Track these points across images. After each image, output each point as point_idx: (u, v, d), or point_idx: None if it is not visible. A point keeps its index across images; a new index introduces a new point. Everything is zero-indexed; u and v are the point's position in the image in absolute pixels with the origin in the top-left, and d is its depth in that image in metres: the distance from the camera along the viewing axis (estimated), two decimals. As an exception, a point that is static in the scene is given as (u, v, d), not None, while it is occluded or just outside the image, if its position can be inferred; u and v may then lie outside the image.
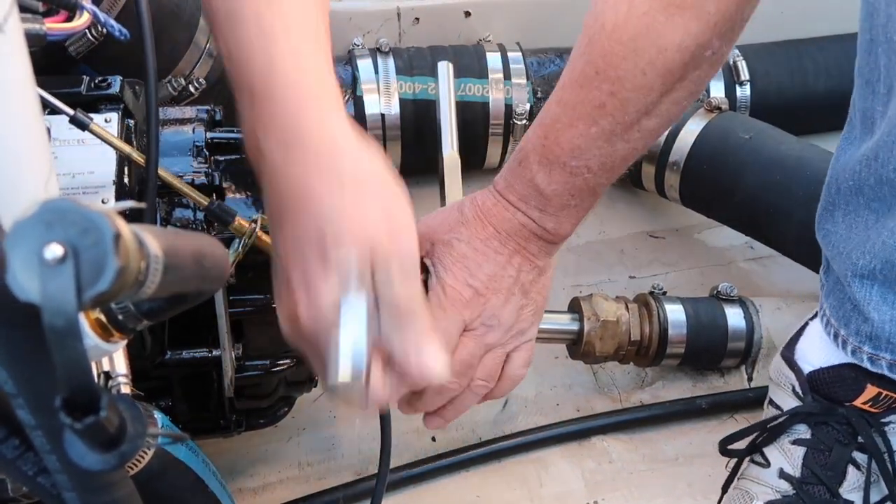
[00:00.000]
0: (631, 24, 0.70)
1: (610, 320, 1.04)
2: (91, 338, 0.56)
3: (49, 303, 0.37)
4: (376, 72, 1.21)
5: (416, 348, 0.66)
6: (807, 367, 0.86)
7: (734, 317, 1.07)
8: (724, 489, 0.90)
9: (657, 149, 1.17)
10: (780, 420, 0.85)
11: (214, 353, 0.87)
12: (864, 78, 0.79)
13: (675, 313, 1.06)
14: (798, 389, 0.86)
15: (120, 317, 0.57)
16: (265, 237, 0.80)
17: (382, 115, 1.20)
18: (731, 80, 1.26)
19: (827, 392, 0.84)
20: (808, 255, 1.11)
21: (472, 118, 1.23)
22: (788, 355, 0.89)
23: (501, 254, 0.80)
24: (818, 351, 0.86)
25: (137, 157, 0.76)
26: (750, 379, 1.09)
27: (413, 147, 1.23)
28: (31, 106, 0.50)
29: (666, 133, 1.16)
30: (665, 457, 1.03)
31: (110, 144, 0.74)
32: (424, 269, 0.85)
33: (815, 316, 0.93)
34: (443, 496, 0.99)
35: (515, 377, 0.83)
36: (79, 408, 0.40)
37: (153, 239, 0.43)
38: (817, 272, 1.12)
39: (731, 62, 1.27)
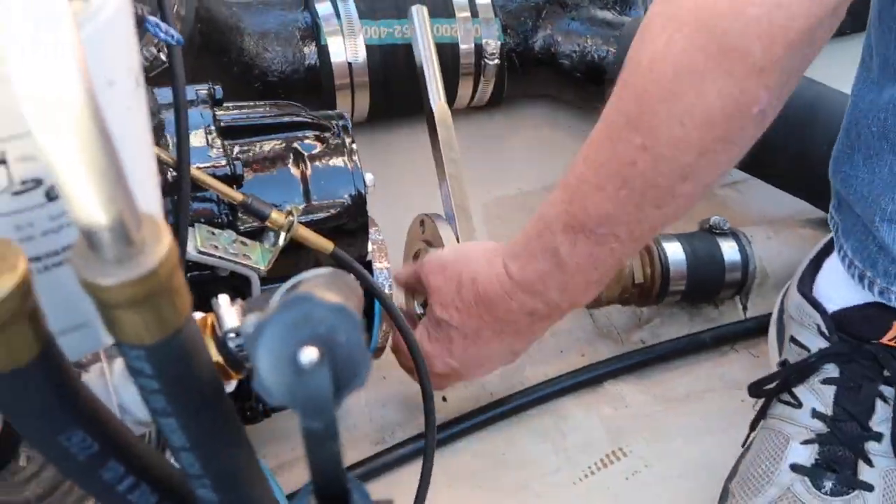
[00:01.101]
0: (670, 62, 0.62)
1: (614, 265, 1.03)
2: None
3: (306, 406, 0.34)
4: (338, 17, 1.14)
5: None
6: (830, 307, 0.88)
7: (729, 250, 1.08)
8: (753, 427, 0.92)
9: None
10: (810, 361, 0.87)
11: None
12: (888, 25, 0.78)
13: (675, 252, 1.06)
14: (824, 329, 0.87)
15: (239, 357, 0.53)
16: (302, 229, 0.75)
17: (349, 64, 1.14)
18: None
19: (853, 331, 0.86)
20: (798, 184, 1.13)
21: (441, 60, 1.17)
22: (807, 292, 0.91)
23: (494, 341, 0.79)
24: (841, 290, 0.87)
25: (167, 157, 0.69)
26: (745, 309, 1.11)
27: (382, 94, 1.18)
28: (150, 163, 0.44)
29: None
30: (676, 395, 1.04)
31: (138, 147, 0.68)
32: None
33: (823, 250, 0.95)
34: (469, 458, 0.98)
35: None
36: (327, 501, 0.37)
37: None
38: (799, 197, 1.15)
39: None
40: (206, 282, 0.75)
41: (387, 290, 0.89)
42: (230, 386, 0.54)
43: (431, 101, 1.01)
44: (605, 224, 0.69)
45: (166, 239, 0.35)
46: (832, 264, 0.89)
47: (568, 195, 0.71)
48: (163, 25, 0.52)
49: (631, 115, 0.65)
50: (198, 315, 0.54)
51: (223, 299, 0.52)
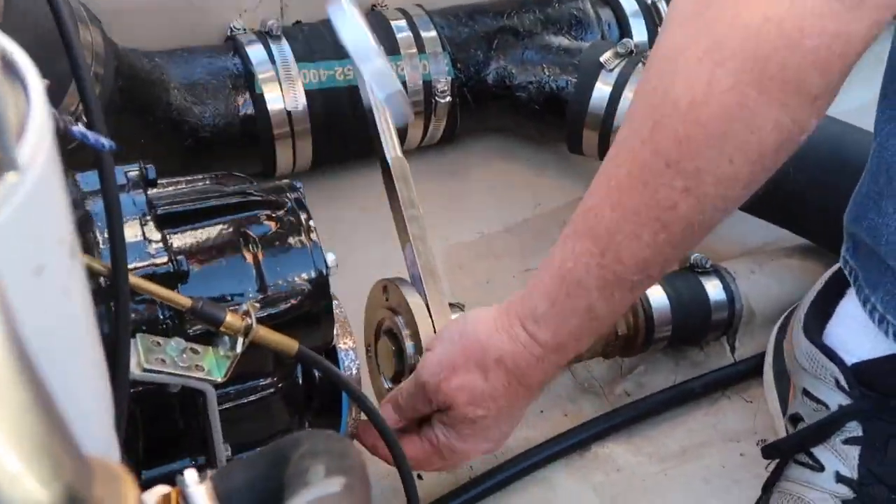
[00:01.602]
0: (715, 102, 0.57)
1: (595, 318, 0.95)
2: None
3: None
4: (272, 62, 1.04)
5: None
6: (849, 358, 0.81)
7: (713, 289, 1.01)
8: (766, 489, 0.85)
9: (599, 114, 1.07)
10: (831, 419, 0.80)
11: (199, 461, 0.72)
12: None
13: (658, 298, 0.98)
14: (843, 383, 0.80)
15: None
16: (262, 331, 0.66)
17: (288, 112, 1.04)
18: (653, 24, 1.17)
19: (877, 385, 0.79)
20: (771, 210, 1.06)
21: (389, 101, 1.08)
22: (818, 340, 0.84)
23: (524, 407, 0.76)
24: (861, 341, 0.81)
25: (99, 266, 0.59)
26: (733, 350, 1.04)
27: (326, 140, 1.08)
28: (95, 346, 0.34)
29: (608, 94, 1.06)
30: (671, 452, 0.97)
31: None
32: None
33: (828, 290, 0.88)
34: (453, 543, 0.90)
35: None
36: None
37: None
38: (772, 222, 1.08)
39: (651, 2, 1.18)
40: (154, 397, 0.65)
41: (353, 372, 0.80)
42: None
43: (386, 154, 0.92)
44: (642, 270, 0.65)
45: (130, 496, 0.25)
46: (849, 312, 0.82)
47: (598, 248, 0.64)
48: (90, 135, 0.42)
49: (671, 159, 0.60)
50: (159, 491, 0.44)
51: (190, 475, 0.42)
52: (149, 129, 0.98)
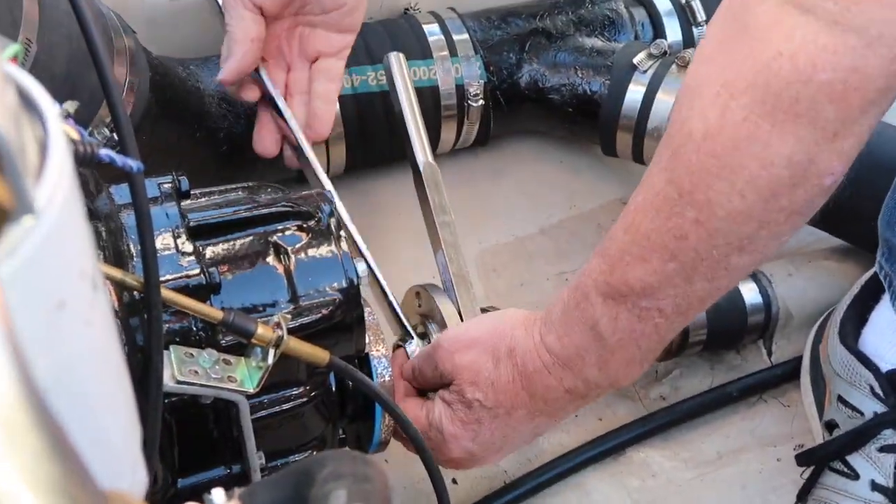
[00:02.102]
0: (727, 134, 0.57)
1: (630, 322, 0.94)
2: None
3: None
4: (307, 67, 1.04)
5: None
6: (884, 365, 0.80)
7: (749, 292, 1.00)
8: (801, 497, 0.84)
9: (633, 116, 1.06)
10: (866, 426, 0.79)
11: (233, 469, 0.73)
12: None
13: (693, 301, 0.97)
14: (878, 390, 0.79)
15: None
16: (293, 342, 0.66)
17: (322, 117, 1.04)
18: (687, 22, 1.16)
19: (911, 391, 0.78)
20: (819, 216, 1.04)
21: (421, 105, 1.08)
22: (853, 346, 0.83)
23: (524, 422, 0.72)
24: (895, 347, 0.79)
25: (132, 281, 0.60)
26: (770, 353, 1.03)
27: (359, 146, 1.08)
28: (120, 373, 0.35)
29: (641, 96, 1.05)
30: (707, 458, 0.96)
31: (98, 275, 0.58)
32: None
33: (864, 294, 0.87)
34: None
35: None
36: None
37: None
38: (812, 225, 1.07)
39: (685, 1, 1.17)
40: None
41: (386, 379, 0.80)
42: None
43: (417, 160, 0.92)
44: (649, 297, 0.64)
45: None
46: (883, 317, 0.81)
47: (608, 265, 0.65)
48: (117, 158, 0.43)
49: (683, 189, 0.60)
50: (187, 509, 0.44)
51: (217, 495, 0.42)
52: (185, 136, 0.99)
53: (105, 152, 0.44)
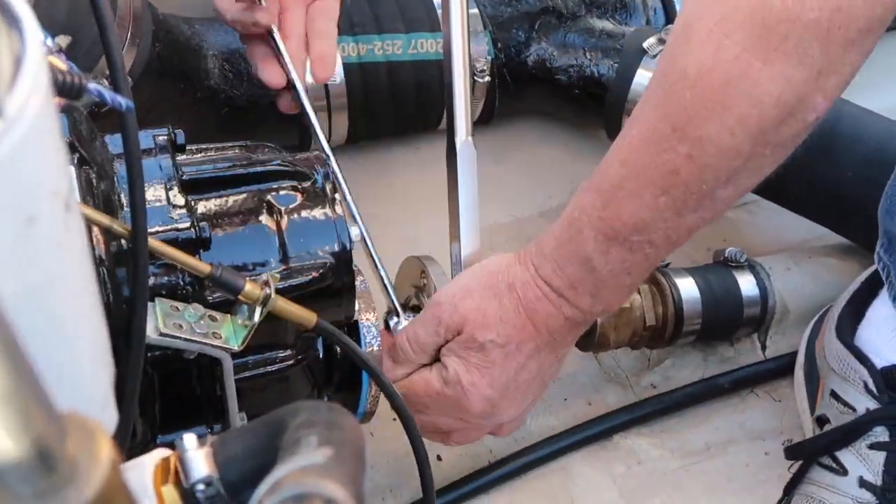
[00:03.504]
0: (720, 71, 0.58)
1: (624, 307, 0.93)
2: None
3: None
4: (312, 33, 1.03)
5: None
6: (879, 362, 0.79)
7: (747, 284, 0.99)
8: (787, 491, 0.83)
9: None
10: (857, 422, 0.78)
11: (215, 429, 0.72)
12: None
13: (689, 290, 0.96)
14: (871, 386, 0.79)
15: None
16: (280, 301, 0.65)
17: (325, 85, 1.03)
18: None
19: (906, 389, 0.77)
20: (815, 208, 1.04)
21: (427, 78, 1.07)
22: (849, 342, 0.82)
23: (533, 357, 0.73)
24: (892, 343, 0.79)
25: (119, 228, 0.59)
26: (764, 348, 1.02)
27: (362, 117, 1.07)
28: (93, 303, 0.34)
29: (649, 81, 1.04)
30: (694, 448, 0.95)
31: (85, 219, 0.57)
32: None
33: (863, 290, 0.86)
34: (469, 528, 0.89)
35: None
36: None
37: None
38: (816, 221, 1.06)
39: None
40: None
41: (375, 348, 0.79)
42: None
43: (457, 135, 0.84)
44: (640, 231, 0.66)
45: (103, 452, 0.25)
46: (880, 313, 0.80)
47: (601, 201, 0.66)
48: (107, 93, 0.42)
49: (677, 124, 0.61)
50: (158, 454, 0.43)
51: (189, 440, 0.42)
52: (185, 96, 0.98)
53: (94, 86, 0.43)
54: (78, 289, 0.32)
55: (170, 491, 0.42)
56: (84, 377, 0.33)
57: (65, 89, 0.40)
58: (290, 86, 0.86)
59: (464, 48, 0.83)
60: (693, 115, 0.60)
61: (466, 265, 0.82)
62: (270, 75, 0.85)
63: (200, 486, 0.41)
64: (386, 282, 0.83)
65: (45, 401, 0.23)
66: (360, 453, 0.36)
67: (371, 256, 0.83)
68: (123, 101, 0.44)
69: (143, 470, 0.42)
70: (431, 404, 0.76)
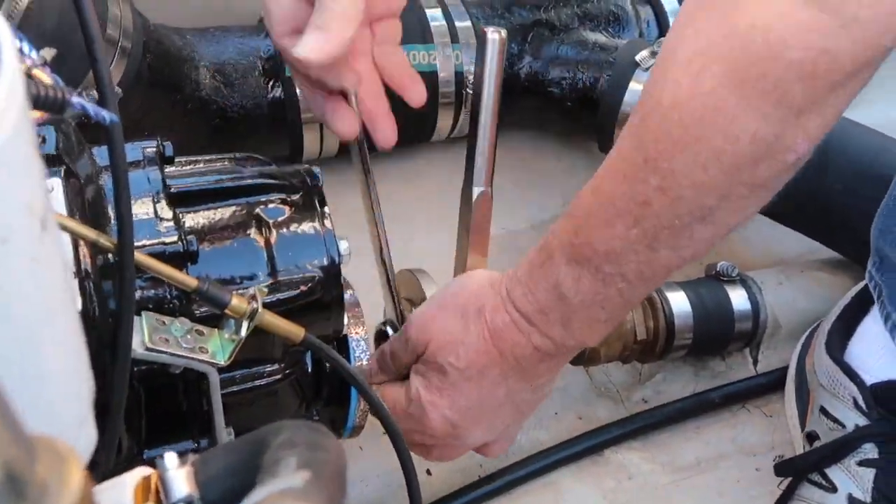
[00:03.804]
0: (695, 103, 0.56)
1: (614, 321, 0.93)
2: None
3: None
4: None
5: (307, 30, 0.68)
6: (868, 378, 0.79)
7: (738, 299, 0.99)
8: (777, 510, 0.83)
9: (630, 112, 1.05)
10: (846, 439, 0.78)
11: (202, 444, 0.71)
12: None
13: (680, 304, 0.96)
14: (861, 403, 0.78)
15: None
16: (268, 316, 0.65)
17: (317, 96, 1.03)
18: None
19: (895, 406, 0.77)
20: (807, 223, 1.04)
21: (419, 90, 1.07)
22: (839, 358, 0.81)
23: (499, 384, 0.71)
24: (882, 360, 0.79)
25: (106, 242, 0.58)
26: (755, 362, 1.02)
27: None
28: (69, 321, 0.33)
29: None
30: (685, 463, 0.95)
31: (69, 231, 0.56)
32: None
33: (854, 306, 0.86)
34: (457, 543, 0.88)
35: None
36: None
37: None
38: (808, 236, 1.06)
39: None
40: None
41: (364, 362, 0.79)
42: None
43: (474, 184, 0.79)
44: (612, 262, 0.64)
45: (74, 476, 0.24)
46: (870, 329, 0.80)
47: (573, 226, 0.65)
48: (90, 107, 0.41)
49: (648, 155, 0.59)
50: (139, 473, 0.43)
51: (170, 459, 0.41)
52: (176, 106, 0.98)
53: (77, 100, 0.42)
54: (52, 307, 0.31)
55: (150, 511, 0.42)
56: (58, 396, 0.33)
57: (47, 104, 0.39)
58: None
59: (496, 97, 0.78)
60: (664, 148, 0.58)
61: None
62: (344, 126, 0.80)
63: (181, 507, 0.41)
64: (394, 294, 0.82)
65: (13, 423, 0.23)
66: (341, 475, 0.35)
67: (385, 268, 0.82)
68: (108, 115, 0.43)
69: (123, 489, 0.42)
70: (399, 420, 0.74)
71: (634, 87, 1.05)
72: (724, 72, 0.56)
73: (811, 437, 0.83)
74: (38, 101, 0.40)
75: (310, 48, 0.69)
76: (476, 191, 0.78)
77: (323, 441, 0.36)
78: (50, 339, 0.31)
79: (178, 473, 0.41)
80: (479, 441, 0.77)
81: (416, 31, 1.07)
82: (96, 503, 0.26)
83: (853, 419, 0.79)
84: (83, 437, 0.37)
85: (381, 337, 0.84)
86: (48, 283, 0.31)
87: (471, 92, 1.08)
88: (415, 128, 1.10)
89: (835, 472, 0.78)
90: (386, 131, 0.82)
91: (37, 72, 0.45)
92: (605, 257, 0.63)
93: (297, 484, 0.30)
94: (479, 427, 0.75)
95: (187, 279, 0.62)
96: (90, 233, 0.57)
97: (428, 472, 0.93)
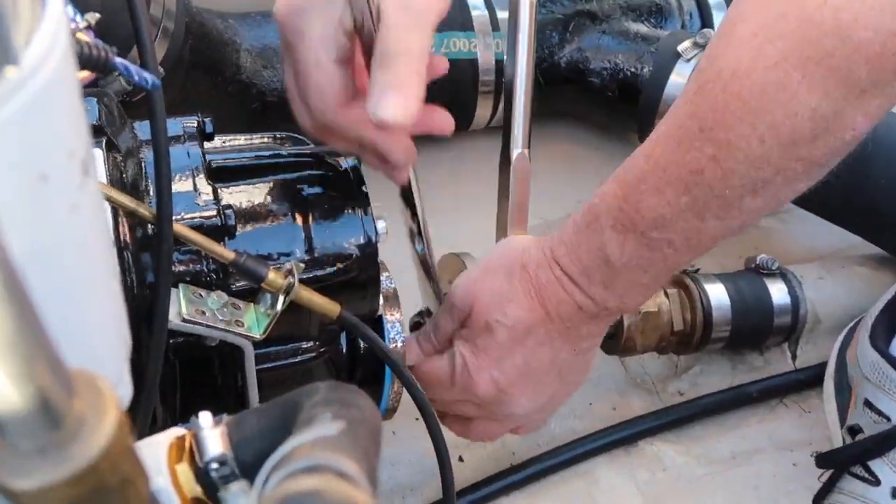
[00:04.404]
0: (757, 76, 0.56)
1: (651, 311, 0.92)
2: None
3: None
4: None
5: (381, 89, 0.61)
6: (915, 370, 0.77)
7: (778, 292, 0.97)
8: (816, 502, 0.82)
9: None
10: (891, 431, 0.76)
11: (236, 419, 0.72)
12: None
13: (718, 296, 0.95)
14: (906, 396, 0.77)
15: (221, 489, 0.42)
16: (304, 291, 0.65)
17: (357, 82, 1.03)
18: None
19: (940, 399, 0.76)
20: (850, 217, 1.02)
21: (460, 77, 1.07)
22: (884, 350, 0.80)
23: (545, 344, 0.71)
24: (930, 352, 0.77)
25: (145, 212, 0.59)
26: (794, 357, 1.00)
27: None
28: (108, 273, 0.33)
29: (683, 83, 1.03)
30: (721, 456, 0.94)
31: (111, 201, 0.57)
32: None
33: (894, 300, 0.84)
34: (490, 530, 0.88)
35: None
36: None
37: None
38: (850, 230, 1.04)
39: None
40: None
41: (399, 344, 0.79)
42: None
43: (513, 147, 0.79)
44: (659, 228, 0.63)
45: (111, 410, 0.24)
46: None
47: (622, 192, 0.65)
48: (133, 68, 0.42)
49: (705, 124, 0.59)
50: (174, 433, 0.43)
51: (204, 419, 0.41)
52: (216, 89, 0.98)
53: (120, 61, 0.42)
54: (92, 256, 0.31)
55: (184, 469, 0.42)
56: (96, 346, 0.33)
57: (90, 62, 0.39)
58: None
59: (530, 57, 0.77)
60: (722, 118, 0.58)
61: None
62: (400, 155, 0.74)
63: (214, 465, 0.41)
64: (434, 280, 0.82)
65: (52, 353, 0.23)
66: (376, 433, 0.35)
67: (427, 256, 0.82)
68: (150, 78, 0.44)
69: (157, 447, 0.42)
70: (444, 392, 0.75)
71: (676, 77, 1.04)
72: (790, 48, 0.55)
73: (853, 430, 0.81)
74: (81, 59, 0.40)
75: (393, 112, 0.61)
76: (515, 152, 0.78)
77: (358, 400, 0.36)
78: (88, 288, 0.31)
79: (212, 433, 0.41)
80: (523, 411, 0.76)
81: (456, 19, 1.07)
82: (132, 441, 0.26)
83: (898, 411, 0.77)
84: (119, 393, 0.37)
85: (415, 327, 0.84)
86: (87, 231, 0.31)
87: (510, 80, 1.07)
88: (453, 116, 1.09)
89: (878, 466, 0.77)
90: (443, 120, 0.76)
91: (80, 35, 0.45)
92: (652, 224, 0.63)
93: (331, 433, 0.30)
94: (525, 394, 0.74)
95: (224, 251, 0.62)
96: (129, 202, 0.58)
97: (460, 458, 0.93)
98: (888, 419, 0.78)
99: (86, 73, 0.47)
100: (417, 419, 0.77)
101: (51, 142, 0.27)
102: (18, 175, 0.25)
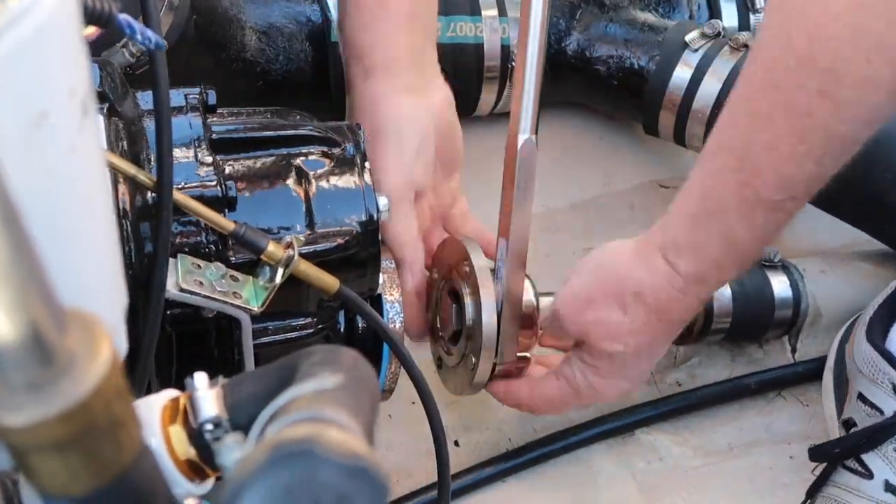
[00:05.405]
0: None
1: (651, 301, 0.92)
2: (182, 485, 0.41)
3: None
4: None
5: None
6: (908, 364, 0.77)
7: (780, 285, 0.97)
8: (810, 494, 0.81)
9: (678, 95, 1.03)
10: (884, 425, 0.76)
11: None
12: None
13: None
14: (901, 389, 0.76)
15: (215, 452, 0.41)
16: (303, 264, 0.64)
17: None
18: (745, 7, 1.13)
19: (935, 393, 0.75)
20: (855, 213, 1.01)
21: (465, 62, 1.07)
22: (880, 344, 0.80)
23: (662, 346, 0.71)
24: (922, 346, 0.76)
25: (145, 178, 0.58)
26: (794, 351, 1.00)
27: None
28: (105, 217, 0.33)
29: (689, 75, 1.03)
30: (717, 447, 0.93)
31: (111, 167, 0.56)
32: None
33: (892, 296, 0.84)
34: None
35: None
36: None
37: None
38: (856, 226, 1.04)
39: (744, -13, 1.13)
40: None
41: (397, 325, 0.78)
42: (205, 486, 0.42)
43: (520, 132, 0.76)
44: (783, 188, 0.59)
45: (104, 349, 0.24)
46: (912, 315, 0.78)
47: (735, 160, 0.60)
48: (137, 26, 0.41)
49: (802, 54, 0.54)
50: (168, 394, 0.42)
51: (199, 379, 0.41)
52: (221, 66, 0.97)
53: (124, 17, 0.42)
54: (90, 198, 0.31)
55: (177, 430, 0.41)
56: (92, 290, 0.32)
57: (94, 16, 0.39)
58: None
59: (542, 40, 0.74)
60: (821, 43, 0.53)
61: (512, 262, 0.77)
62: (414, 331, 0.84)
63: (209, 427, 0.40)
64: None
65: (46, 287, 0.23)
66: (374, 393, 0.35)
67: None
68: (153, 37, 0.43)
69: (151, 408, 0.42)
70: (563, 407, 0.77)
71: (682, 67, 1.04)
72: None
73: (848, 424, 0.81)
74: (84, 13, 0.40)
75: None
76: (521, 138, 0.74)
77: (356, 362, 0.36)
78: (85, 230, 0.31)
79: (206, 394, 0.41)
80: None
81: (463, 3, 1.06)
82: (125, 385, 0.25)
83: (892, 405, 0.77)
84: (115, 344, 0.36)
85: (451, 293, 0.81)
86: (86, 172, 0.30)
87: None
88: (457, 102, 1.09)
89: (871, 458, 0.76)
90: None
91: (84, -9, 0.44)
92: (776, 187, 0.59)
93: (328, 385, 0.30)
94: (640, 381, 0.77)
95: (225, 221, 0.62)
96: (130, 168, 0.57)
97: (456, 443, 0.93)
98: (881, 412, 0.77)
99: (91, 30, 0.46)
100: (414, 403, 0.76)
101: (52, 80, 0.27)
102: (17, 113, 0.25)
